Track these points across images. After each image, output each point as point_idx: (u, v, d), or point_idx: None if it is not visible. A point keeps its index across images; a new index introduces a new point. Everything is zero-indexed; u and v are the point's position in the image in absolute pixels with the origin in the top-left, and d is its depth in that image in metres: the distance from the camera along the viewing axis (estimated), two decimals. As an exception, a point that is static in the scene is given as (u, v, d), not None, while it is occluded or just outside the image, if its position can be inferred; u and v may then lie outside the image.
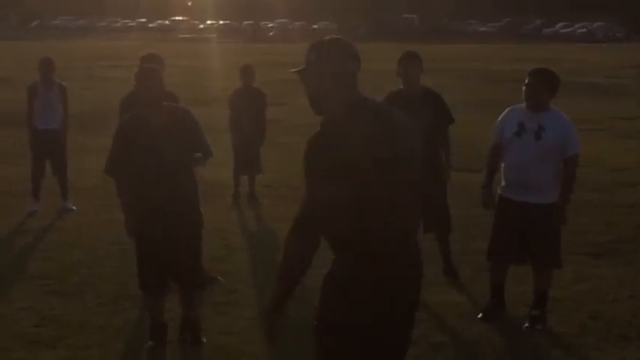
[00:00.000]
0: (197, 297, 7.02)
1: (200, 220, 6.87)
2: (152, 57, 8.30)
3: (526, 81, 7.08)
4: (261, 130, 12.18)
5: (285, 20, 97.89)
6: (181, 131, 6.60)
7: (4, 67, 36.25)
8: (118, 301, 7.84)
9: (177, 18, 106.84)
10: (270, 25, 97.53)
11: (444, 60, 38.70)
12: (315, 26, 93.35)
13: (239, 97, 12.11)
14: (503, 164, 7.25)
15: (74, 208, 11.65)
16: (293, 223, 4.07)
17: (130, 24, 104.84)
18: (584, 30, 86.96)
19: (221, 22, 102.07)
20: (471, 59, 43.83)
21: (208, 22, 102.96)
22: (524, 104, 7.13)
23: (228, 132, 12.17)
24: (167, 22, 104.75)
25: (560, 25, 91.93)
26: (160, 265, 6.68)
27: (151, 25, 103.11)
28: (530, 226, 7.10)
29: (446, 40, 71.09)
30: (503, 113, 7.32)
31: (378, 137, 4.01)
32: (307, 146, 4.10)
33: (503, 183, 7.26)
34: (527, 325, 7.13)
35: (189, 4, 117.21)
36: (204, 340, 6.86)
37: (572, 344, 6.79)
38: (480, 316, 7.34)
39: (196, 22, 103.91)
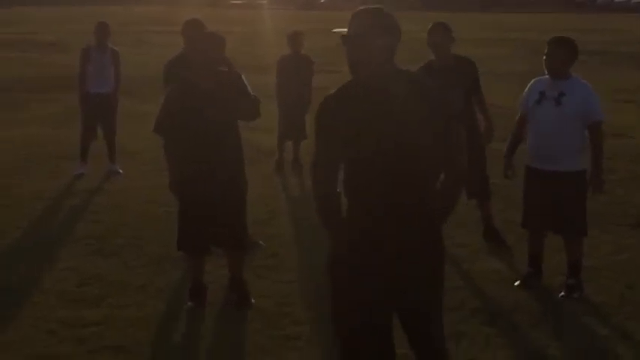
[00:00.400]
0: (240, 259, 7.12)
1: (245, 185, 6.96)
2: (195, 22, 8.36)
3: (546, 50, 7.11)
4: (307, 97, 12.21)
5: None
6: (230, 96, 6.68)
7: (54, 32, 36.67)
8: (161, 263, 7.97)
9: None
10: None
11: (499, 29, 38.37)
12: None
13: (287, 64, 12.14)
14: (528, 133, 7.29)
15: (121, 171, 11.82)
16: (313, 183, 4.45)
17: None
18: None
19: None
20: (525, 29, 43.36)
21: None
22: (547, 75, 7.18)
23: (275, 98, 12.22)
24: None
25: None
26: (203, 226, 6.77)
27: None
28: (555, 194, 7.12)
29: (502, 9, 70.33)
30: (529, 85, 7.36)
31: (412, 101, 4.17)
32: (327, 103, 4.30)
33: (528, 152, 7.30)
34: (563, 293, 7.15)
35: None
36: (253, 301, 6.96)
37: (608, 313, 6.78)
38: (517, 283, 7.37)
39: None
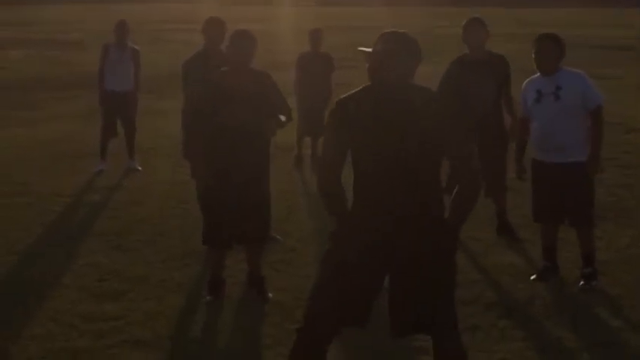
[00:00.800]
0: (259, 254, 7.20)
1: (269, 182, 7.04)
2: (216, 21, 8.42)
3: (534, 49, 7.19)
4: (327, 93, 12.26)
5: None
6: (259, 96, 6.75)
7: (77, 30, 36.88)
8: (180, 258, 8.05)
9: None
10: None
11: (529, 25, 38.25)
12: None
13: (307, 60, 12.21)
14: (533, 131, 7.34)
15: (140, 168, 11.92)
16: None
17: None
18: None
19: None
20: (552, 25, 43.21)
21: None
22: (538, 74, 7.28)
23: (293, 94, 12.28)
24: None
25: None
26: (228, 221, 6.85)
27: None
28: (563, 186, 7.19)
29: (528, 3, 69.90)
30: (522, 87, 7.47)
31: (420, 113, 4.52)
32: (342, 102, 4.64)
33: (535, 147, 7.37)
34: (582, 282, 7.20)
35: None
36: (271, 295, 7.03)
37: (623, 306, 6.82)
38: (533, 277, 7.42)
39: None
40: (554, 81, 7.12)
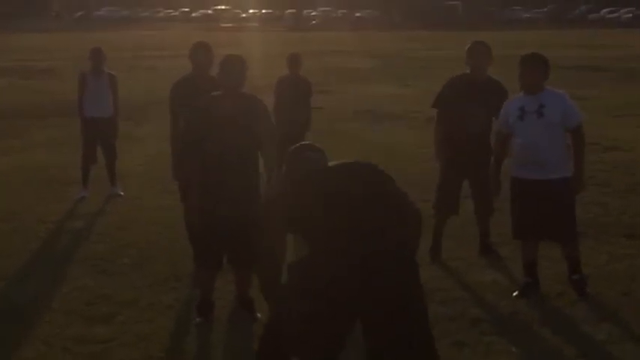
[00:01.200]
0: (249, 278, 7.29)
1: (260, 207, 7.13)
2: (202, 45, 8.53)
3: (520, 68, 7.40)
4: (307, 116, 12.39)
5: (328, 8, 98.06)
6: (249, 120, 6.84)
7: (51, 58, 36.87)
8: (167, 282, 8.13)
9: (219, 7, 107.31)
10: (313, 13, 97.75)
11: (495, 47, 38.61)
12: (358, 14, 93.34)
13: (285, 85, 12.31)
14: (515, 147, 7.52)
15: (122, 193, 11.99)
16: None
17: (173, 14, 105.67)
18: (630, 15, 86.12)
19: (263, 10, 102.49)
20: (518, 46, 43.61)
21: (250, 10, 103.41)
22: (521, 93, 7.49)
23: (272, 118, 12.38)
24: (210, 11, 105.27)
25: (605, 10, 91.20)
26: (219, 243, 6.97)
27: (194, 14, 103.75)
28: (544, 202, 7.36)
29: (490, 27, 70.67)
30: (503, 107, 7.68)
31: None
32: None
33: (514, 165, 7.55)
34: (577, 290, 7.48)
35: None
36: (259, 315, 7.09)
37: (604, 319, 6.99)
38: (515, 293, 7.57)
39: (238, 11, 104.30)
40: (538, 99, 7.32)
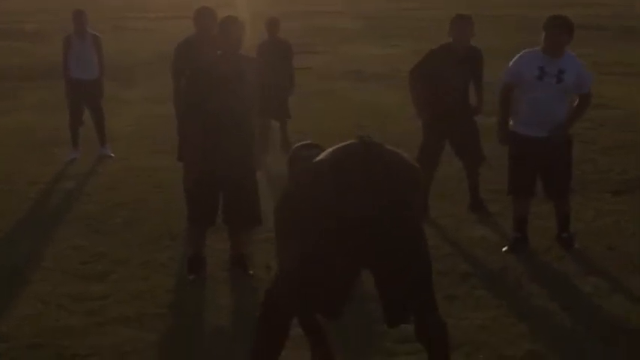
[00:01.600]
0: (245, 238, 7.45)
1: (255, 166, 7.23)
2: (207, 9, 8.59)
3: (547, 29, 7.37)
4: (291, 79, 12.46)
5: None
6: (242, 83, 6.90)
7: (39, 21, 36.55)
8: (161, 240, 8.23)
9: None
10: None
11: (479, 6, 38.56)
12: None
13: (265, 49, 12.36)
14: (521, 103, 7.55)
15: (112, 154, 12.04)
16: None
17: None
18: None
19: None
20: (507, 5, 43.48)
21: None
22: (537, 49, 7.46)
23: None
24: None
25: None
26: (214, 202, 7.07)
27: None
28: (547, 160, 7.50)
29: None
30: (517, 57, 7.62)
31: None
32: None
33: (519, 121, 7.59)
34: (564, 246, 7.66)
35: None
36: (252, 272, 7.23)
37: (590, 273, 7.14)
38: (505, 248, 7.69)
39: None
40: (558, 64, 7.34)
